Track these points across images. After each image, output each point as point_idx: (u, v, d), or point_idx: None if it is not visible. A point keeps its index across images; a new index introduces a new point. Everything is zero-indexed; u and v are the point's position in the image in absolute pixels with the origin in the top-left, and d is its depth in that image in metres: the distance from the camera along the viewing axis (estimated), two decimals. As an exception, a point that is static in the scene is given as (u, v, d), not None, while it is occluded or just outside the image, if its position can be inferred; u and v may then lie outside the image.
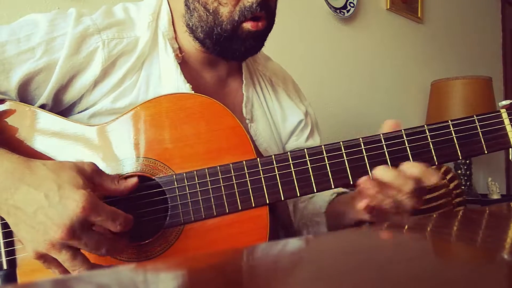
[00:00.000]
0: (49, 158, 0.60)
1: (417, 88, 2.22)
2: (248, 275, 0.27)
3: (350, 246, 0.35)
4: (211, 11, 0.66)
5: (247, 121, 0.76)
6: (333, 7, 1.79)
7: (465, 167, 2.11)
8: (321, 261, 0.29)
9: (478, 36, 2.64)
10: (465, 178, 2.10)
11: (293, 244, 0.38)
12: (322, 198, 0.79)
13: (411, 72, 2.20)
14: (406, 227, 0.42)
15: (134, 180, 0.57)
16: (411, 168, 0.58)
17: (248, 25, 0.66)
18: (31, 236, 0.50)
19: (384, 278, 0.24)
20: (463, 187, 1.97)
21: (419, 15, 2.21)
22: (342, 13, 1.82)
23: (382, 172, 0.59)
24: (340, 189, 0.80)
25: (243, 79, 0.79)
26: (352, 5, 1.86)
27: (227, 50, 0.69)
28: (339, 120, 1.82)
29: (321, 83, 1.79)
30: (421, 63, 2.26)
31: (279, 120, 0.82)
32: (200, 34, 0.69)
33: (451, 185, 1.52)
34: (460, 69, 2.38)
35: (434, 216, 0.81)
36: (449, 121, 0.61)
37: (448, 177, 1.53)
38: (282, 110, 0.83)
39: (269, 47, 0.93)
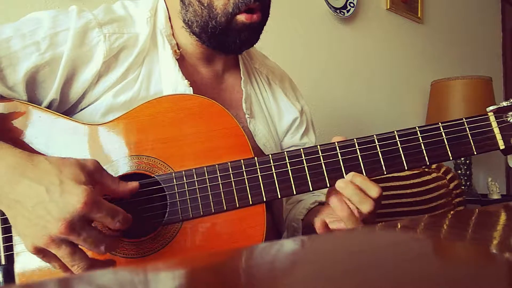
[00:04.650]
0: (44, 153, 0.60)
1: (417, 88, 2.22)
2: (247, 276, 0.27)
3: (350, 246, 0.35)
4: (205, 4, 0.68)
5: (246, 116, 0.77)
6: (333, 7, 1.79)
7: (465, 167, 2.11)
8: (321, 261, 0.29)
9: (478, 36, 2.64)
10: (465, 178, 2.10)
11: (292, 244, 0.38)
12: (304, 206, 0.80)
13: (411, 72, 2.20)
14: (407, 227, 0.42)
15: (135, 184, 0.56)
16: (355, 177, 0.60)
17: (242, 17, 0.67)
18: (30, 230, 0.50)
19: (384, 278, 0.24)
20: (463, 187, 1.97)
21: (419, 15, 2.21)
22: (342, 13, 1.82)
23: (342, 185, 0.60)
24: (323, 199, 0.80)
25: (241, 76, 0.80)
26: (352, 5, 1.86)
27: (223, 43, 0.70)
28: (338, 120, 1.82)
29: (321, 83, 1.79)
30: (421, 63, 2.26)
31: (275, 116, 0.84)
32: (195, 28, 0.71)
33: (451, 185, 1.52)
34: (460, 69, 2.38)
35: (434, 216, 0.81)
36: (439, 123, 0.64)
37: (448, 177, 1.53)
38: (278, 107, 0.84)
39: (269, 47, 0.94)
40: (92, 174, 0.53)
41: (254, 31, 0.70)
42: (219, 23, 0.67)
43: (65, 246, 0.50)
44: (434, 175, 1.49)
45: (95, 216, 0.50)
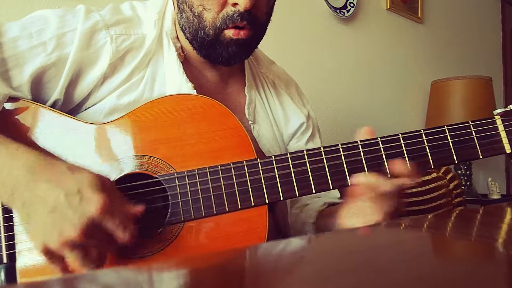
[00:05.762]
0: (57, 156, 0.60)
1: (417, 88, 2.22)
2: (249, 275, 0.27)
3: (350, 246, 0.35)
4: (196, 14, 0.68)
5: (249, 122, 0.77)
6: (333, 7, 1.79)
7: (465, 167, 2.11)
8: (321, 261, 0.30)
9: (478, 36, 2.64)
10: (465, 178, 2.10)
11: (293, 244, 0.38)
12: (313, 208, 0.79)
13: (411, 72, 2.21)
14: (406, 227, 0.42)
15: (140, 208, 0.56)
16: (362, 178, 0.60)
17: (230, 33, 0.67)
18: (44, 231, 0.50)
19: (384, 278, 0.24)
20: (463, 187, 1.97)
21: (419, 15, 2.21)
22: (342, 13, 1.83)
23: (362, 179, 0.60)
24: (332, 199, 0.80)
25: (246, 81, 0.80)
26: (352, 5, 1.86)
27: (211, 54, 0.70)
28: (339, 120, 1.82)
29: (321, 83, 1.79)
30: (421, 63, 2.26)
31: (281, 122, 0.84)
32: (188, 35, 0.71)
33: (451, 185, 1.52)
34: (460, 69, 2.38)
35: (434, 216, 0.81)
36: (445, 126, 0.63)
37: (448, 177, 1.53)
38: (284, 112, 0.84)
39: (269, 47, 0.94)
40: (106, 187, 0.53)
41: (242, 47, 0.69)
42: (207, 34, 0.68)
43: (78, 250, 0.50)
44: (434, 175, 1.50)
45: (108, 224, 0.50)
